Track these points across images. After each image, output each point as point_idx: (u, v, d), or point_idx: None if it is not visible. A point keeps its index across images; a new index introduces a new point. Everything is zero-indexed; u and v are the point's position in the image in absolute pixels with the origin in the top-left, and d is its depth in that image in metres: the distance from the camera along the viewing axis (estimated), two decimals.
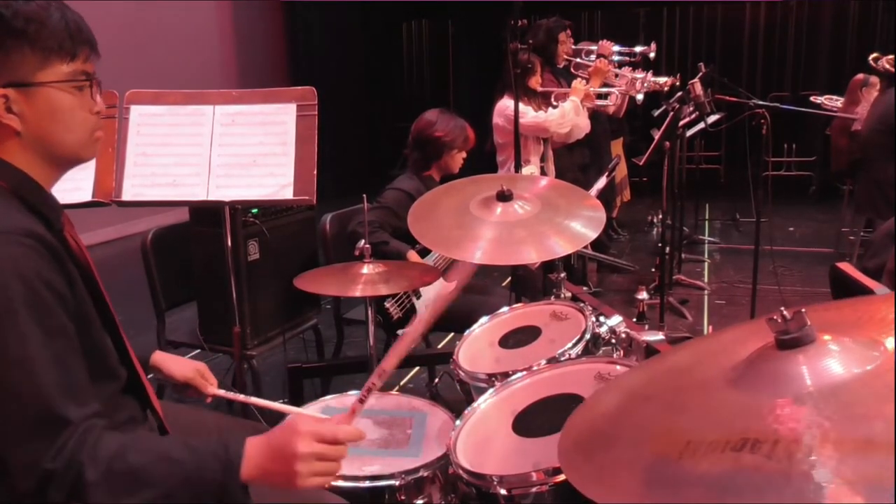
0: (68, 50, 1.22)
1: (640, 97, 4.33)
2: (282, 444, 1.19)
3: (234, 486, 1.15)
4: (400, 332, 3.00)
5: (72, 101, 1.24)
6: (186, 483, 1.13)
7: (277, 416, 1.73)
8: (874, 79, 4.72)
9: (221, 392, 1.74)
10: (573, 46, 4.73)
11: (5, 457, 1.08)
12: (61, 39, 1.20)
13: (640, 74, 4.39)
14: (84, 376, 1.18)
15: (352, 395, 1.88)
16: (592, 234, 1.95)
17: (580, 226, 1.96)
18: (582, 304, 1.98)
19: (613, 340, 1.80)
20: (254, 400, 1.74)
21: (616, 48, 4.56)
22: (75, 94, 1.24)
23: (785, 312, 0.88)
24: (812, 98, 5.60)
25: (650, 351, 1.70)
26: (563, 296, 2.19)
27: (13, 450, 1.07)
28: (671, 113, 4.17)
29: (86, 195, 2.29)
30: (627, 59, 4.55)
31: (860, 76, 4.70)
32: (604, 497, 0.83)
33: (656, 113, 5.24)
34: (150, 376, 1.58)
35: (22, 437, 1.08)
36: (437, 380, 2.38)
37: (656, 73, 4.58)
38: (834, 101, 5.43)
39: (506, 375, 1.71)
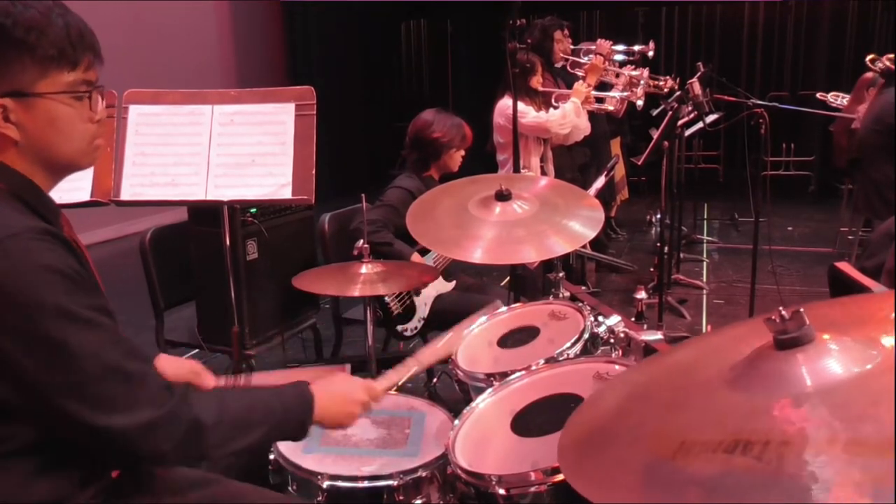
0: (69, 58, 1.19)
1: (640, 103, 4.33)
2: (347, 392, 1.41)
3: (309, 423, 1.34)
4: (399, 328, 3.01)
5: (70, 112, 1.22)
6: (280, 420, 1.31)
7: None
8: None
9: (221, 383, 1.74)
10: (572, 46, 4.73)
11: (109, 427, 1.12)
12: (62, 48, 1.18)
13: (636, 72, 4.38)
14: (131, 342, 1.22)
15: None
16: (591, 234, 1.96)
17: (579, 225, 1.96)
18: (580, 304, 1.98)
19: (612, 340, 1.80)
20: (254, 379, 1.77)
21: (614, 47, 4.55)
22: (74, 104, 1.22)
23: (783, 312, 0.88)
24: (818, 95, 5.59)
25: (649, 350, 1.70)
26: (561, 295, 2.19)
27: (116, 416, 1.12)
28: (670, 112, 4.17)
29: (84, 195, 2.29)
30: (626, 57, 4.54)
31: (869, 75, 4.67)
32: (599, 495, 0.83)
33: (655, 112, 5.24)
34: None
35: (117, 403, 1.12)
36: (435, 379, 2.38)
37: (655, 73, 4.58)
38: (840, 99, 5.42)
39: (504, 375, 1.71)
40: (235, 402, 1.28)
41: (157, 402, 1.15)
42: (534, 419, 1.52)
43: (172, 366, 1.69)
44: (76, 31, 1.20)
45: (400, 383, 1.58)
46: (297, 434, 1.35)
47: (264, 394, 1.35)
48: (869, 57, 4.58)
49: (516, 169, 3.06)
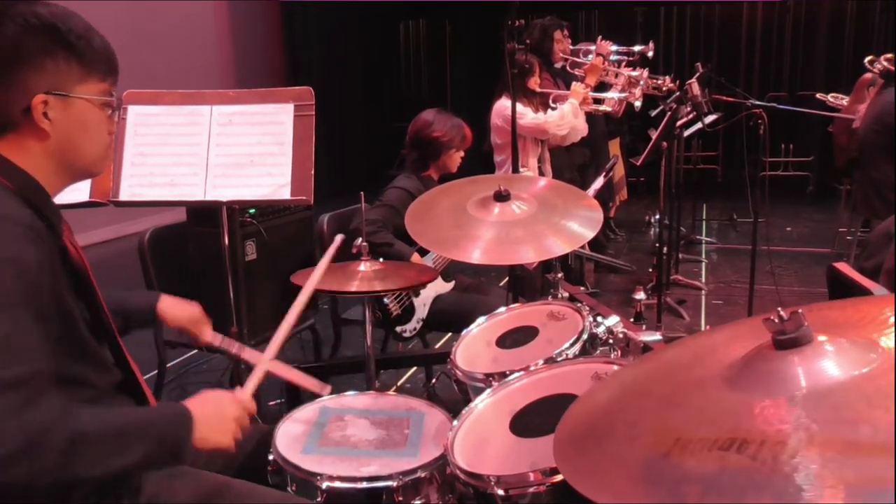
0: (103, 71, 1.31)
1: (637, 104, 4.33)
2: (221, 409, 1.35)
3: (188, 442, 1.26)
4: (398, 329, 3.01)
5: (100, 117, 1.32)
6: (159, 437, 1.22)
7: (277, 414, 1.74)
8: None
9: (217, 341, 1.85)
10: (571, 46, 4.73)
11: None
12: (101, 60, 1.30)
13: (636, 73, 4.38)
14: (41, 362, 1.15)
15: (349, 396, 1.88)
16: (590, 234, 1.95)
17: (577, 225, 1.96)
18: (579, 305, 1.98)
19: (611, 340, 1.79)
20: (246, 353, 1.80)
21: (614, 47, 4.56)
22: (103, 112, 1.32)
23: (782, 312, 0.88)
24: (818, 96, 5.60)
25: (647, 351, 1.70)
26: (560, 296, 2.19)
27: None
28: (668, 113, 4.18)
29: (83, 195, 2.29)
30: (626, 58, 4.55)
31: (868, 76, 4.68)
32: (594, 491, 0.83)
33: (654, 113, 5.24)
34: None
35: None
36: (434, 380, 2.38)
37: (654, 73, 4.58)
38: (840, 100, 5.43)
39: (503, 375, 1.71)
40: (113, 418, 1.21)
41: (24, 426, 1.05)
42: (532, 420, 1.52)
43: (173, 313, 1.81)
44: (110, 50, 1.33)
45: (257, 383, 1.51)
46: (177, 454, 1.26)
47: (141, 412, 1.31)
48: (867, 58, 4.59)
49: (514, 169, 3.06)
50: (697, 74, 4.33)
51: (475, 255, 1.89)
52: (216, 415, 1.33)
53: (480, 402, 1.63)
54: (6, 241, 1.14)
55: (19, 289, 1.12)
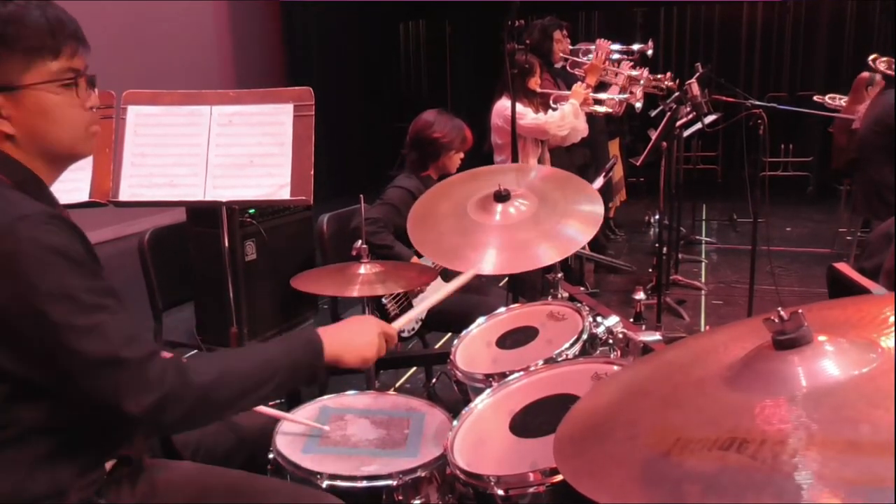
0: (51, 48, 1.20)
1: (638, 105, 4.34)
2: (359, 332, 1.50)
3: (320, 368, 1.41)
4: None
5: (60, 100, 1.23)
6: (288, 374, 1.36)
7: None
8: (880, 78, 4.69)
9: None
10: (571, 46, 4.73)
11: (120, 409, 1.14)
12: (43, 38, 1.19)
13: (636, 72, 4.39)
14: (136, 325, 1.22)
15: (349, 396, 1.88)
16: (600, 213, 1.95)
17: (588, 207, 1.96)
18: (579, 305, 1.98)
19: (611, 341, 1.79)
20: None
21: (614, 47, 4.56)
22: (63, 91, 1.23)
23: (782, 313, 0.88)
24: (815, 97, 5.61)
25: (647, 351, 1.70)
26: (560, 296, 2.19)
27: (123, 400, 1.14)
28: (668, 113, 4.18)
29: (83, 195, 2.29)
30: (625, 57, 4.55)
31: (865, 74, 4.68)
32: (594, 491, 0.83)
33: (653, 113, 5.24)
34: None
35: (119, 389, 1.14)
36: (434, 380, 2.38)
37: (653, 72, 4.58)
38: (837, 101, 5.43)
39: (503, 376, 1.71)
40: (240, 363, 1.33)
41: (156, 385, 1.16)
42: (532, 420, 1.52)
43: None
44: (55, 20, 1.21)
45: (412, 318, 1.70)
46: (311, 379, 1.43)
47: (270, 350, 1.41)
48: (871, 57, 4.59)
49: None
50: (697, 74, 4.33)
51: (487, 267, 1.88)
52: (352, 334, 1.48)
53: (480, 403, 1.63)
54: (45, 234, 1.12)
55: (83, 278, 1.14)
